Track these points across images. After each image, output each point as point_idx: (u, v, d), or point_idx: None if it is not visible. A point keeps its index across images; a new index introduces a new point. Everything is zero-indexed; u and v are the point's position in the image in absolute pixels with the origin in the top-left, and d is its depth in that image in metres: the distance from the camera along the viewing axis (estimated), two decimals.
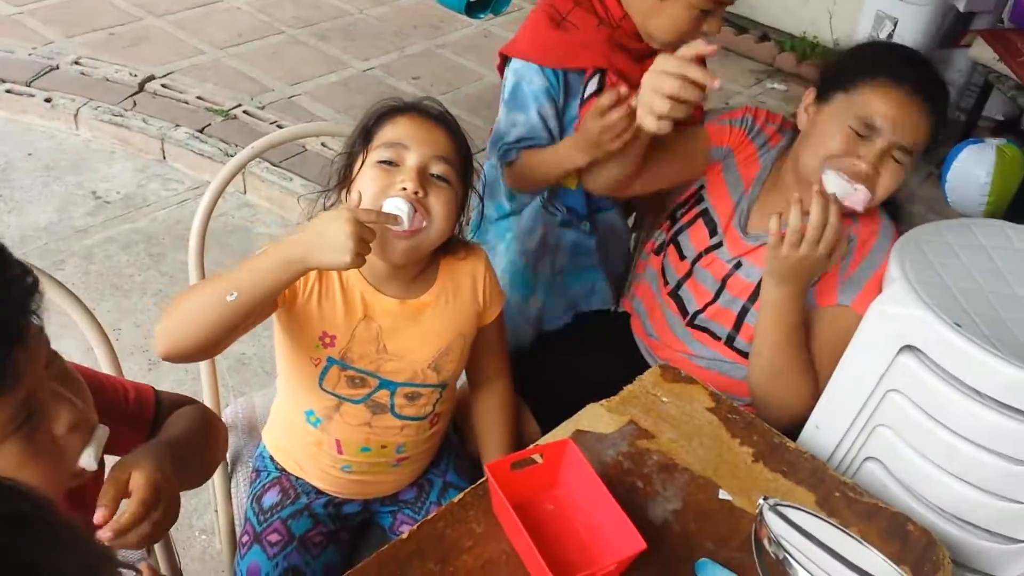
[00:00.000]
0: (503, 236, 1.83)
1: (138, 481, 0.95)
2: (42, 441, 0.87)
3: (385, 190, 1.24)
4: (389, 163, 1.25)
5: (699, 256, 1.61)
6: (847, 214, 1.41)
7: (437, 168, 1.26)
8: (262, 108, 3.67)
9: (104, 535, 0.91)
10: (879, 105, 1.39)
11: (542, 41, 1.65)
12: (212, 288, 1.16)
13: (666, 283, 1.68)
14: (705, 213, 1.64)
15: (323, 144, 3.42)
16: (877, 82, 1.41)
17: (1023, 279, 1.34)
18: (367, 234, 1.13)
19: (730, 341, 1.57)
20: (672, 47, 1.56)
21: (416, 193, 1.23)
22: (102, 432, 0.93)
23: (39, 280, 0.86)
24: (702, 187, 1.66)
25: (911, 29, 3.72)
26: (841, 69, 1.48)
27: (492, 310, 1.45)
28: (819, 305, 1.46)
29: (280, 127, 3.47)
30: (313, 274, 1.30)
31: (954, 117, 3.94)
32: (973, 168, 3.47)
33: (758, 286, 1.50)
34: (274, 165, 3.30)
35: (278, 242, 1.16)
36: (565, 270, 1.88)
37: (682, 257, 1.64)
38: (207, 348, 1.20)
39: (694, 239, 1.63)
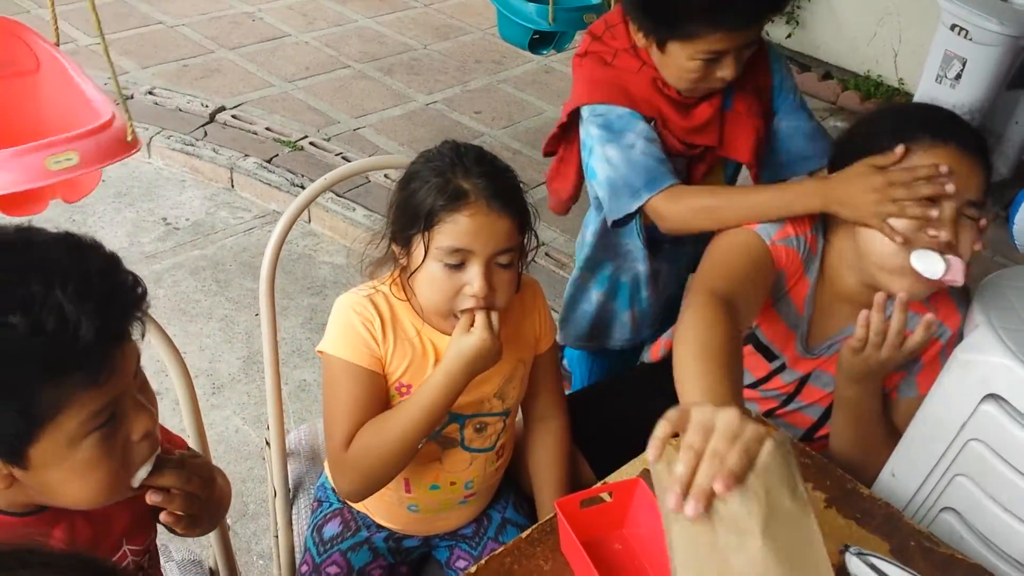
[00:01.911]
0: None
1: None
2: (117, 444, 0.92)
3: (451, 298, 1.27)
4: (455, 266, 1.25)
5: (759, 382, 1.53)
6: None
7: (502, 259, 1.26)
8: (328, 140, 3.73)
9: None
10: (932, 160, 1.30)
11: (600, 79, 1.59)
12: (393, 442, 1.28)
13: None
14: (755, 339, 1.50)
15: (386, 176, 3.46)
16: (923, 144, 1.31)
17: None
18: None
19: (806, 437, 1.54)
20: (694, 94, 1.55)
21: (487, 295, 1.25)
22: (154, 456, 0.98)
23: (147, 292, 0.92)
24: None
25: (980, 69, 3.66)
26: (869, 139, 1.37)
27: (545, 340, 1.46)
28: (922, 394, 1.39)
29: (346, 159, 3.54)
30: (378, 323, 1.32)
31: (1023, 159, 3.87)
32: None
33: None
34: (339, 196, 3.36)
35: (436, 376, 1.27)
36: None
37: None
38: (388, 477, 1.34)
39: (751, 368, 1.52)
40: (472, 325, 1.25)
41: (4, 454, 0.87)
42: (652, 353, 1.78)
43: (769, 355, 1.50)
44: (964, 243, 1.31)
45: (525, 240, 1.32)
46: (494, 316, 1.26)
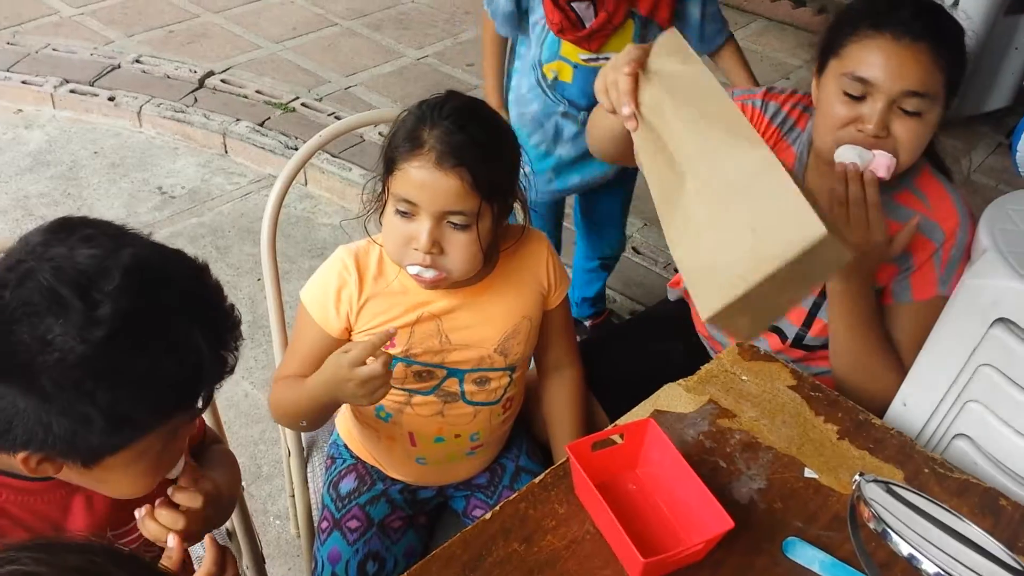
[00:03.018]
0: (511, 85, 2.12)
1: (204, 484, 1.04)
2: (169, 450, 0.97)
3: (404, 245, 1.24)
4: (405, 213, 1.23)
5: None
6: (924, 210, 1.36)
7: (453, 218, 1.22)
8: (320, 100, 3.69)
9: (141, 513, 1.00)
10: (865, 57, 1.29)
11: None
12: (289, 412, 1.37)
13: None
14: None
15: (380, 134, 3.43)
16: (859, 36, 1.31)
17: None
18: (374, 383, 1.19)
19: (798, 341, 1.51)
20: None
21: (430, 253, 1.22)
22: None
23: (241, 319, 0.95)
24: None
25: None
26: (830, 36, 1.38)
27: (558, 293, 1.43)
28: (916, 300, 1.40)
29: (338, 119, 3.49)
30: (353, 280, 1.32)
31: (1023, 85, 3.82)
32: None
33: None
34: (334, 156, 3.33)
35: (313, 382, 1.27)
36: (567, 159, 2.09)
37: None
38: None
39: None
40: (368, 352, 1.19)
41: (81, 458, 0.87)
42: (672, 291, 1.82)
43: None
44: (901, 137, 1.30)
45: (498, 204, 1.26)
46: (374, 372, 1.18)
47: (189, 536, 1.01)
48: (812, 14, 4.71)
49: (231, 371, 0.93)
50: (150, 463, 0.94)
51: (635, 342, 1.77)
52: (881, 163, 1.30)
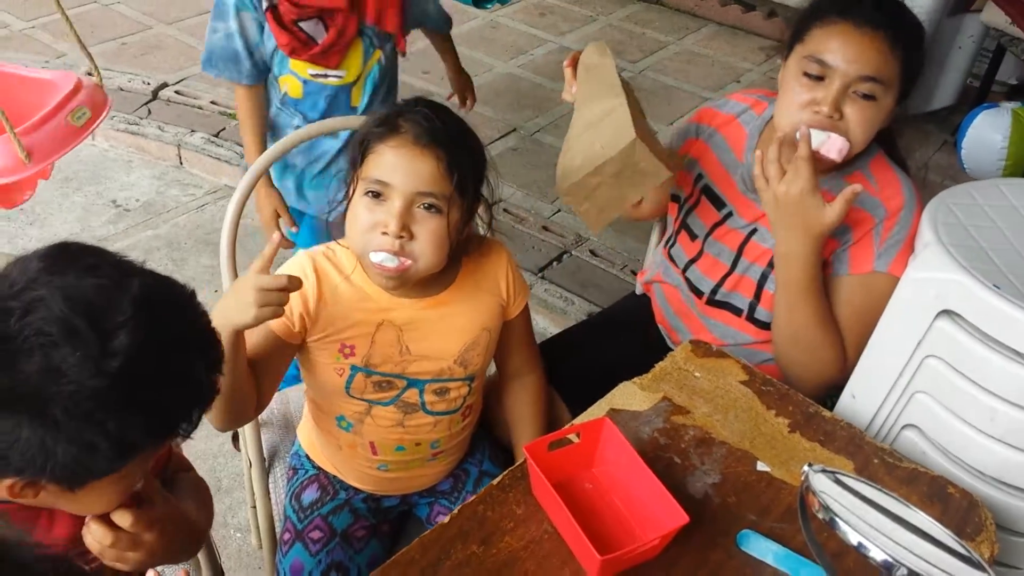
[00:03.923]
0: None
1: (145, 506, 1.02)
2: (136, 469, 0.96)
3: (370, 231, 1.23)
4: (375, 195, 1.23)
5: (711, 231, 1.60)
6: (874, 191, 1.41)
7: (425, 200, 1.22)
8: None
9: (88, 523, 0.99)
10: (826, 41, 1.37)
11: None
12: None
13: (676, 266, 1.67)
14: (707, 190, 1.63)
15: None
16: (823, 22, 1.39)
17: None
18: (272, 296, 1.15)
19: (751, 312, 1.56)
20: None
21: (399, 237, 1.21)
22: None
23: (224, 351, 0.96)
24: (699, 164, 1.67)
25: None
26: (798, 24, 1.46)
27: (517, 304, 1.43)
28: (853, 273, 1.45)
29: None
30: (311, 286, 1.30)
31: (968, 83, 3.90)
32: (989, 133, 3.42)
33: None
34: None
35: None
36: (310, 173, 2.05)
37: (693, 237, 1.64)
38: (242, 415, 1.33)
39: (702, 216, 1.62)
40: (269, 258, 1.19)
41: (70, 483, 0.87)
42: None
43: (718, 203, 1.60)
44: (853, 120, 1.38)
45: (467, 200, 1.27)
46: (275, 283, 1.16)
47: (131, 560, 1.00)
48: (762, 18, 4.78)
49: (217, 393, 0.94)
50: (127, 484, 0.95)
51: (598, 340, 1.79)
52: (834, 145, 1.37)
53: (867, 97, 1.36)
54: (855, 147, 1.40)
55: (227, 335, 1.15)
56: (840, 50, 1.36)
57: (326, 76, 1.92)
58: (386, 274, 1.24)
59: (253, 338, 1.30)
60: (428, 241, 1.23)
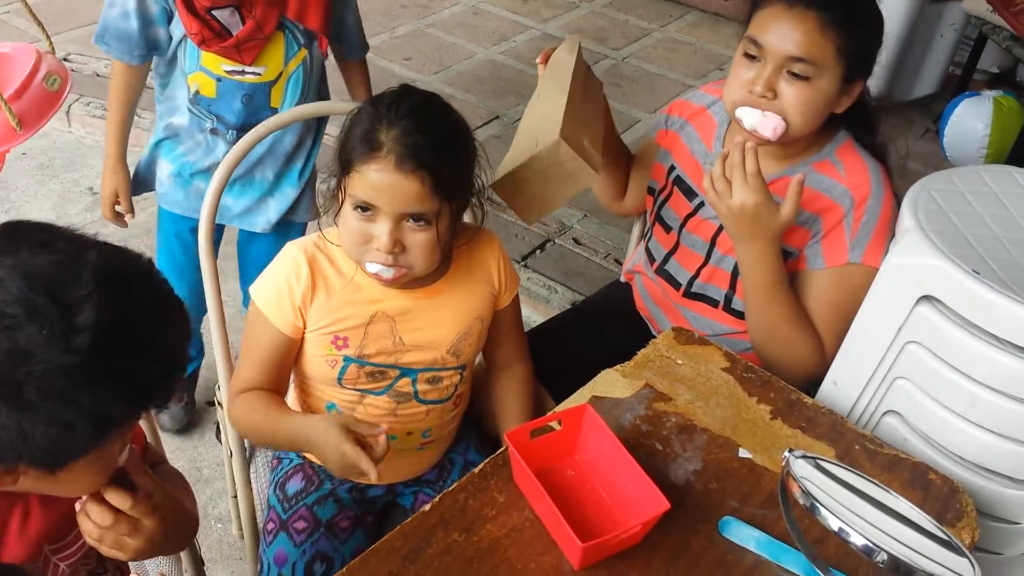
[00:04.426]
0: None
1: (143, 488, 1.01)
2: (119, 449, 0.96)
3: (363, 244, 1.23)
4: (364, 209, 1.22)
5: (684, 222, 1.60)
6: (843, 177, 1.42)
7: (413, 219, 1.22)
8: None
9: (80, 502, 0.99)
10: (763, 22, 1.39)
11: None
12: (256, 438, 1.44)
13: (653, 260, 1.67)
14: (679, 181, 1.63)
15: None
16: (764, 4, 1.41)
17: None
18: (353, 471, 1.19)
19: (728, 303, 1.56)
20: None
21: (391, 252, 1.22)
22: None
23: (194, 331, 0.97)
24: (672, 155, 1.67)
25: None
26: (749, 8, 1.47)
27: (508, 293, 1.44)
28: (829, 267, 1.44)
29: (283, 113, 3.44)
30: (305, 277, 1.30)
31: (950, 71, 3.92)
32: (971, 121, 3.45)
33: None
34: None
35: (293, 428, 1.28)
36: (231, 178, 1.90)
37: (668, 230, 1.63)
38: None
39: (675, 208, 1.62)
40: (354, 457, 1.17)
41: (50, 465, 0.86)
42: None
43: (690, 194, 1.61)
44: (787, 99, 1.38)
45: (455, 203, 1.27)
46: (381, 445, 1.18)
47: (130, 548, 0.99)
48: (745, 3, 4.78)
49: (189, 359, 0.94)
50: (111, 460, 0.94)
51: (581, 328, 1.79)
52: (768, 124, 1.39)
53: (799, 77, 1.37)
54: (793, 127, 1.39)
55: (302, 449, 1.37)
56: (771, 30, 1.37)
57: (243, 73, 1.78)
58: (383, 284, 1.27)
59: (264, 344, 1.33)
60: (420, 251, 1.24)
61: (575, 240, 3.01)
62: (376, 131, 1.19)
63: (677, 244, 1.61)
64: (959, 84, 3.81)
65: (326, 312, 1.30)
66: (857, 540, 0.89)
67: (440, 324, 1.35)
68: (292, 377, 1.45)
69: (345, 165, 1.23)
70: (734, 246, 1.42)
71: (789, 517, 1.00)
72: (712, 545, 1.11)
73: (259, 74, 1.78)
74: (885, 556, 0.88)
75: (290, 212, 1.99)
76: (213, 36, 1.70)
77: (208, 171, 1.87)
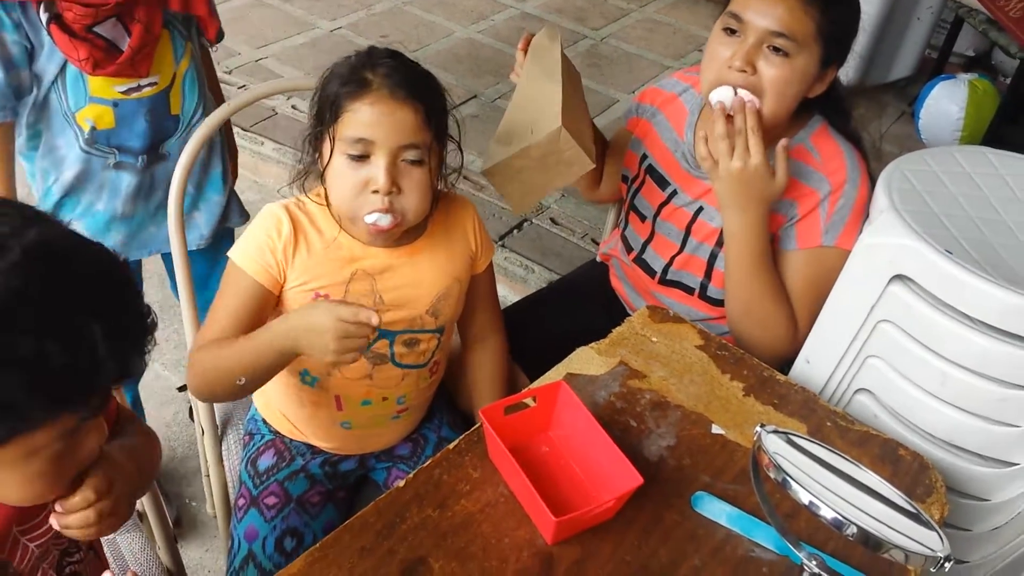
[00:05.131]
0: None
1: (94, 471, 0.97)
2: (67, 456, 0.91)
3: (360, 192, 1.22)
4: (358, 157, 1.21)
5: (658, 211, 1.60)
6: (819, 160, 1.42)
7: (408, 154, 1.22)
8: (229, 73, 3.60)
9: (53, 517, 0.96)
10: None
11: None
12: (222, 372, 1.26)
13: (630, 249, 1.67)
14: (651, 170, 1.63)
15: (293, 107, 3.36)
16: None
17: (1009, 204, 1.34)
18: (353, 342, 1.14)
19: (703, 291, 1.56)
20: None
21: (389, 193, 1.21)
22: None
23: (156, 323, 0.90)
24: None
25: None
26: None
27: (484, 258, 1.44)
28: (801, 248, 1.45)
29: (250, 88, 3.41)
30: (287, 232, 1.29)
31: (926, 54, 3.94)
32: (946, 104, 3.48)
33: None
34: (244, 130, 3.24)
35: (273, 328, 1.21)
36: (140, 216, 1.72)
37: (643, 219, 1.63)
38: (239, 398, 1.35)
39: (648, 197, 1.62)
40: (351, 314, 1.15)
41: None
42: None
43: (662, 183, 1.60)
44: (766, 76, 1.38)
45: (440, 146, 1.28)
46: (373, 318, 1.14)
47: (110, 520, 0.98)
48: None
49: (138, 374, 0.89)
50: (43, 466, 0.88)
51: (558, 307, 1.80)
52: (738, 98, 1.38)
53: (779, 52, 1.36)
54: (768, 105, 1.38)
55: (289, 355, 1.22)
56: (754, 6, 1.36)
57: (139, 88, 1.57)
58: (381, 233, 1.26)
59: (241, 297, 1.29)
60: (415, 193, 1.24)
61: (552, 220, 3.01)
62: (362, 71, 1.22)
63: (652, 233, 1.61)
64: (935, 67, 3.84)
65: (306, 268, 1.29)
66: (827, 513, 0.90)
67: (419, 282, 1.34)
68: None
69: (334, 110, 1.22)
70: (724, 215, 1.42)
71: (760, 491, 1.01)
72: (684, 520, 1.12)
73: (156, 83, 1.60)
74: (855, 529, 0.89)
75: (223, 219, 1.84)
76: (103, 55, 1.49)
77: (125, 216, 1.70)
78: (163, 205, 1.69)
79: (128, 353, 0.86)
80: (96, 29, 1.47)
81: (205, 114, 1.69)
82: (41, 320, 0.79)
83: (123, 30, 1.50)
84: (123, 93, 1.56)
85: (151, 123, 1.62)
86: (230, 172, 1.85)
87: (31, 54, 1.50)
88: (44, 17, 1.45)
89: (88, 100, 1.55)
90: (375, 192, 1.21)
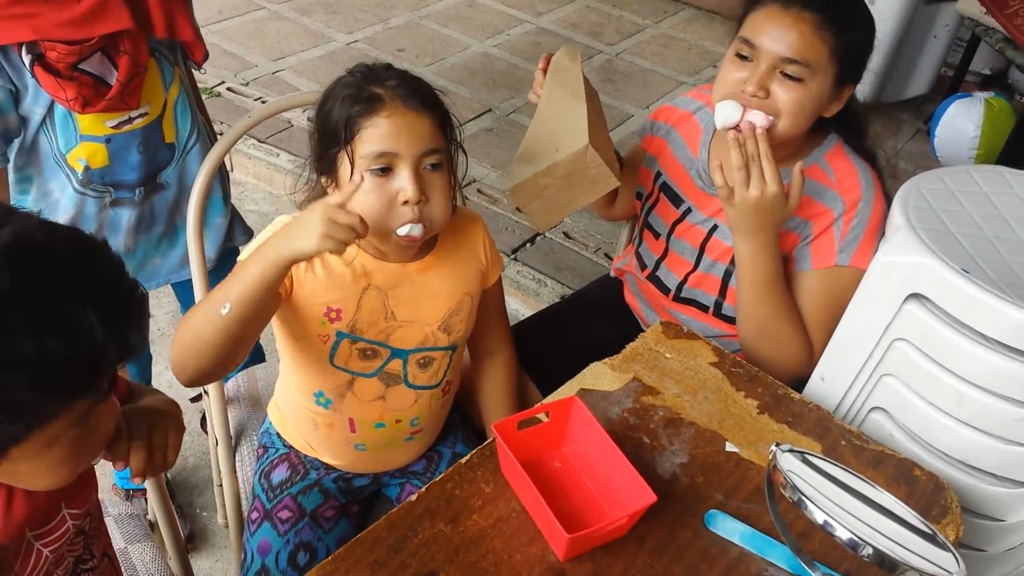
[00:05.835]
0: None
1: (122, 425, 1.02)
2: (87, 437, 0.93)
3: (388, 210, 1.21)
4: (381, 170, 1.21)
5: (672, 229, 1.60)
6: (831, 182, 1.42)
7: (430, 159, 1.22)
8: (246, 85, 3.62)
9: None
10: (757, 22, 1.38)
11: None
12: (206, 308, 1.19)
13: (644, 267, 1.67)
14: (665, 187, 1.63)
15: (309, 119, 3.37)
16: (760, 4, 1.40)
17: None
18: (340, 230, 1.11)
19: (717, 309, 1.56)
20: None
21: (419, 202, 1.21)
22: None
23: (147, 296, 0.91)
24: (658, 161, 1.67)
25: None
26: (743, 9, 1.46)
27: (493, 272, 1.44)
28: (816, 269, 1.44)
29: (265, 104, 3.43)
30: None
31: (942, 72, 3.93)
32: (962, 122, 3.46)
33: None
34: (260, 142, 3.27)
35: (258, 253, 1.16)
36: (142, 251, 1.72)
37: (657, 236, 1.63)
38: (222, 365, 1.23)
39: (663, 214, 1.62)
40: (342, 199, 1.15)
41: None
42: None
43: (677, 200, 1.60)
44: (780, 98, 1.37)
45: (452, 149, 1.29)
46: (349, 219, 1.11)
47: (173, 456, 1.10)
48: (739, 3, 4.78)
49: (139, 349, 0.90)
50: (65, 451, 0.90)
51: (571, 321, 1.80)
52: (754, 120, 1.37)
53: (792, 78, 1.36)
54: (783, 128, 1.38)
55: (275, 264, 1.13)
56: (767, 31, 1.36)
57: (131, 120, 1.55)
58: (414, 244, 1.27)
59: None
60: (440, 199, 1.25)
61: (565, 234, 3.01)
62: (370, 88, 1.22)
63: (667, 250, 1.61)
64: (951, 85, 3.83)
65: (316, 280, 1.29)
66: (842, 534, 0.89)
67: (431, 297, 1.34)
68: (280, 368, 1.44)
69: (350, 129, 1.22)
70: (735, 239, 1.41)
71: (775, 511, 1.00)
72: (697, 538, 1.11)
73: (147, 113, 1.57)
74: (870, 550, 0.88)
75: (228, 240, 1.83)
76: (93, 92, 1.46)
77: (128, 251, 1.68)
78: (165, 235, 1.73)
79: (126, 331, 0.86)
80: (82, 66, 1.44)
81: (200, 138, 1.69)
82: (34, 317, 0.79)
83: (109, 64, 1.47)
84: (114, 128, 1.54)
85: (144, 155, 1.60)
86: (230, 193, 1.86)
87: (16, 96, 1.48)
88: (27, 59, 1.42)
89: (79, 139, 1.53)
90: (404, 204, 1.21)
